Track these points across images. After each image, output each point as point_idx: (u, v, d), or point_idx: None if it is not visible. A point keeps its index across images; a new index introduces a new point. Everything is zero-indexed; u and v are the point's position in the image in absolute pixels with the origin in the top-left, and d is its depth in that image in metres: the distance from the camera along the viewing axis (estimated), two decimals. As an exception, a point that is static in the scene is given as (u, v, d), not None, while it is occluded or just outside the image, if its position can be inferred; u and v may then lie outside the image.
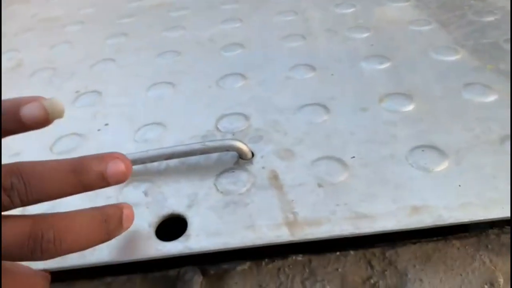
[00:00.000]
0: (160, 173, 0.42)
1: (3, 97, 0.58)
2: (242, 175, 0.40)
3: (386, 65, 0.52)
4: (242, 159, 0.42)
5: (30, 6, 0.88)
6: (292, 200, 0.37)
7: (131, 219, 0.31)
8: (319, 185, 0.38)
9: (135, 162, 0.41)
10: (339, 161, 0.40)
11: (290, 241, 0.34)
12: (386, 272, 0.36)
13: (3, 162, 0.46)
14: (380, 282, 0.36)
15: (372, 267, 0.36)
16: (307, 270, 0.36)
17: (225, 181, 0.40)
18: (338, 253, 0.37)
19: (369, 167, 0.39)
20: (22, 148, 0.47)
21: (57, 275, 0.38)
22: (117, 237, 0.36)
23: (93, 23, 0.76)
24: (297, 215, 0.36)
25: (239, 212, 0.37)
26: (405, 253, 0.36)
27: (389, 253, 0.36)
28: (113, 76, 0.59)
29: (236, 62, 0.57)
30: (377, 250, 0.37)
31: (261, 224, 0.36)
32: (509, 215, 0.34)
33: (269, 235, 0.35)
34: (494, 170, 0.37)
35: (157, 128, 0.47)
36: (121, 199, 0.39)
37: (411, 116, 0.44)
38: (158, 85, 0.55)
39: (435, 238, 0.37)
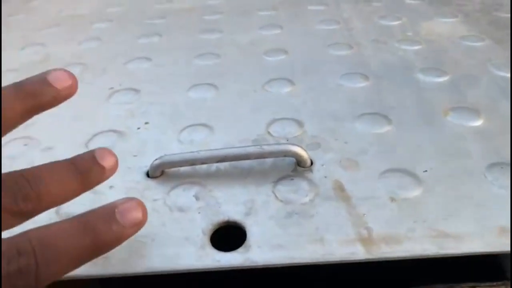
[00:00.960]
0: (210, 176, 0.38)
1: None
2: (302, 184, 0.36)
3: (444, 78, 0.49)
4: (300, 167, 0.38)
5: (53, 2, 0.85)
6: (364, 214, 0.33)
7: (108, 157, 0.26)
8: (392, 199, 0.34)
9: (184, 163, 0.38)
10: (411, 174, 0.36)
11: (367, 259, 0.30)
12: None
13: (34, 155, 0.42)
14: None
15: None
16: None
17: (284, 189, 0.36)
18: None
19: (444, 182, 0.36)
20: (54, 144, 0.43)
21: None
22: (168, 244, 0.32)
23: (122, 22, 0.73)
24: (372, 230, 0.32)
25: (304, 224, 0.33)
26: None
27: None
28: (150, 74, 0.55)
29: (281, 67, 0.54)
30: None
31: (330, 238, 0.32)
32: None
33: (342, 252, 0.31)
34: None
35: (203, 129, 0.44)
36: (169, 203, 0.35)
37: (481, 131, 0.41)
38: (199, 86, 0.51)
39: (494, 283, 0.34)
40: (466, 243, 0.31)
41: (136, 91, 0.51)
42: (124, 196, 0.37)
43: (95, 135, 0.44)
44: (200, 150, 0.37)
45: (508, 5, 0.66)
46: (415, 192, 0.35)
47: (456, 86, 0.48)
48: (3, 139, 0.27)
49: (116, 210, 0.24)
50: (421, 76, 0.50)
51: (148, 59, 0.59)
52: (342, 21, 0.66)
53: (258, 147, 0.37)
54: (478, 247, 0.31)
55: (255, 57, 0.57)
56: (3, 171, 0.24)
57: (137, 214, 0.24)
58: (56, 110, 0.49)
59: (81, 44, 0.66)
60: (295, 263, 0.31)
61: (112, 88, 0.52)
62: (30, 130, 0.44)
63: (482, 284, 0.34)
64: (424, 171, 0.37)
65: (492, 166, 0.37)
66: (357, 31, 0.62)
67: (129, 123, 0.46)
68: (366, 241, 0.31)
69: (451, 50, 0.56)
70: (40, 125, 0.46)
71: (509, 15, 0.64)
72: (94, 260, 0.31)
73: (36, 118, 0.47)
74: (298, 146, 0.38)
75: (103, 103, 0.50)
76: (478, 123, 0.42)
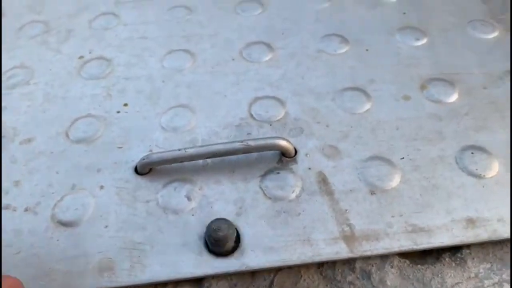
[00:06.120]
0: (198, 171, 0.39)
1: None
2: (288, 178, 0.38)
3: (422, 41, 0.49)
4: (285, 157, 0.39)
5: None
6: (346, 210, 0.36)
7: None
8: (372, 192, 0.37)
9: (172, 161, 0.38)
10: (389, 162, 0.39)
11: (349, 257, 0.34)
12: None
13: (12, 148, 0.42)
14: None
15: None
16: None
17: (272, 185, 0.38)
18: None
19: (419, 170, 0.38)
20: (34, 134, 0.42)
21: None
22: (168, 252, 0.34)
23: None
24: (354, 227, 0.35)
25: (292, 223, 0.36)
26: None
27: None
28: (119, 37, 0.52)
29: (258, 26, 0.52)
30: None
31: (317, 237, 0.35)
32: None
33: (327, 251, 0.34)
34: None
35: (185, 113, 0.44)
36: (162, 204, 0.37)
37: (455, 108, 0.43)
38: (174, 54, 0.49)
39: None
40: (436, 237, 0.35)
41: (108, 61, 0.49)
42: (116, 198, 0.38)
43: (73, 121, 0.43)
44: (187, 148, 0.38)
45: None
46: (392, 183, 0.38)
47: (434, 51, 0.48)
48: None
49: None
50: (399, 39, 0.50)
51: (114, 15, 0.55)
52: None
53: (244, 143, 0.38)
54: (448, 241, 0.34)
55: (228, 11, 0.54)
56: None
57: None
58: (27, 87, 0.47)
59: (35, -10, 0.60)
60: (286, 265, 0.34)
61: (81, 57, 0.50)
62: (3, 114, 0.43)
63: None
64: (401, 158, 0.39)
65: (463, 150, 0.39)
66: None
67: (107, 105, 0.45)
68: (349, 238, 0.35)
69: (429, 4, 0.54)
70: (12, 109, 0.45)
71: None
72: (99, 272, 0.33)
73: (7, 99, 0.46)
74: (282, 139, 0.39)
75: (75, 78, 0.47)
76: (453, 98, 0.44)
